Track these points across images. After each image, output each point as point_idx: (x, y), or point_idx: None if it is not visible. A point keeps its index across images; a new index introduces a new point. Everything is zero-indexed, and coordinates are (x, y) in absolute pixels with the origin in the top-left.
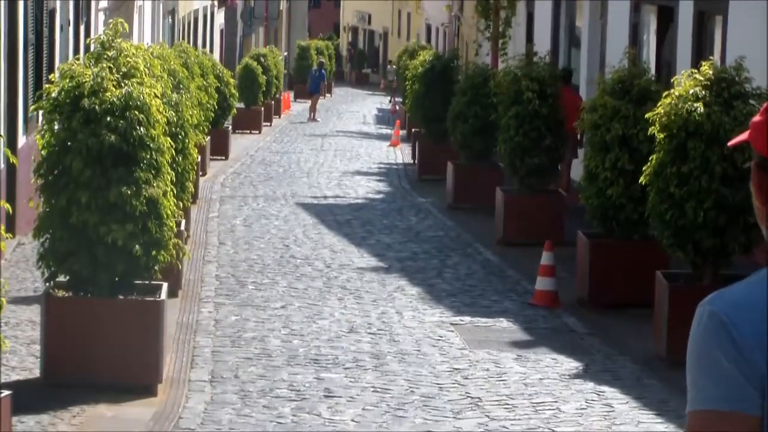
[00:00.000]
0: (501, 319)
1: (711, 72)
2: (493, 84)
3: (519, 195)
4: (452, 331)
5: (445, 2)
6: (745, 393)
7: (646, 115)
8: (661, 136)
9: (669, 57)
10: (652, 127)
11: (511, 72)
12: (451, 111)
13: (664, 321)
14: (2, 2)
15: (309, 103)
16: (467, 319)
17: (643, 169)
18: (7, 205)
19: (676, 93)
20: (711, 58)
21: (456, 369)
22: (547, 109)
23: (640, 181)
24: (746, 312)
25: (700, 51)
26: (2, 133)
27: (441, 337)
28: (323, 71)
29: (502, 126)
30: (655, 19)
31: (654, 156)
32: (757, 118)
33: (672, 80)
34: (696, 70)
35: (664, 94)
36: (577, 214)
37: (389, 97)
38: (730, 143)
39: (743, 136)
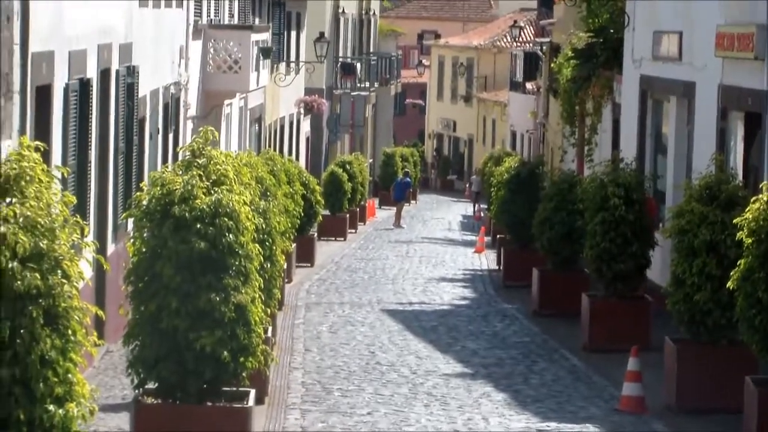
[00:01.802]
0: (587, 425)
1: None
2: (580, 190)
3: (605, 301)
4: None
5: (530, 109)
6: None
7: (734, 221)
8: (749, 241)
9: (756, 162)
10: (740, 233)
11: (597, 178)
12: (537, 217)
13: (753, 427)
14: (94, 112)
15: (394, 209)
16: (553, 425)
17: (731, 274)
18: (101, 312)
19: (765, 198)
20: None
21: None
22: (633, 215)
23: (727, 285)
24: None
25: None
26: (95, 241)
27: None
28: (408, 179)
29: (588, 232)
30: (742, 125)
31: (742, 261)
32: None
33: (760, 186)
34: None
35: (752, 200)
36: (663, 319)
37: (474, 205)
38: None
39: None
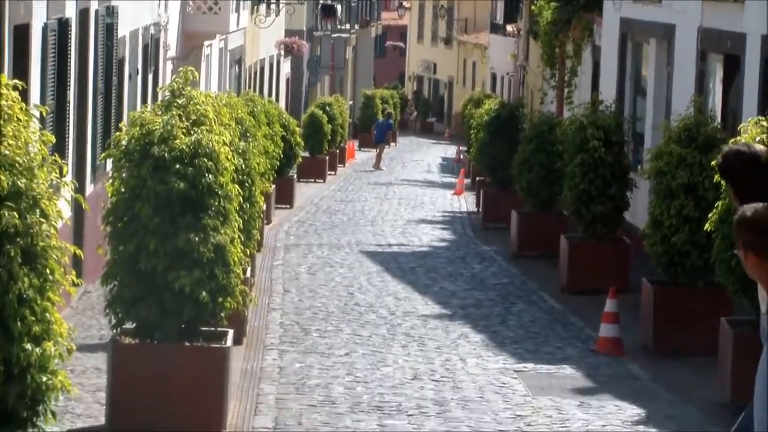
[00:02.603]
0: (564, 365)
1: None
2: (559, 132)
3: (583, 242)
4: (515, 378)
5: (511, 51)
6: None
7: (713, 163)
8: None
9: (735, 105)
10: (718, 175)
11: (576, 120)
12: (517, 159)
13: (728, 368)
14: (73, 52)
15: (373, 152)
16: (530, 365)
17: (709, 216)
18: (80, 251)
19: (743, 140)
20: None
21: (519, 416)
22: (612, 157)
23: (705, 227)
24: None
25: (767, 99)
26: (73, 180)
27: (504, 383)
28: (390, 121)
29: (567, 174)
30: (722, 67)
31: (720, 203)
32: None
33: (738, 128)
34: (762, 118)
35: (731, 142)
36: (641, 261)
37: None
38: None
39: None
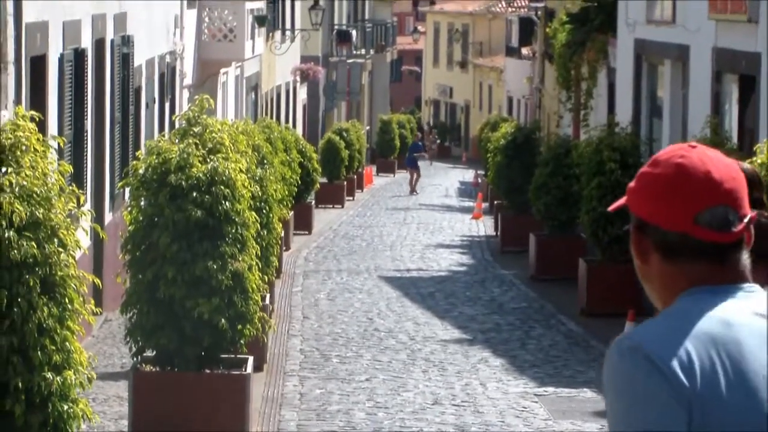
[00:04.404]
0: (585, 389)
1: None
2: (575, 155)
3: (602, 265)
4: (536, 402)
5: (526, 75)
6: (673, 413)
7: None
8: None
9: (751, 125)
10: None
11: (592, 142)
12: (534, 182)
13: None
14: (90, 82)
15: (390, 177)
16: (551, 389)
17: None
18: (97, 280)
19: (759, 161)
20: None
21: None
22: (629, 179)
23: None
24: (666, 341)
25: None
26: (91, 210)
27: (525, 408)
28: (420, 143)
29: (584, 196)
30: (737, 88)
31: None
32: (632, 184)
33: (754, 148)
34: None
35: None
36: None
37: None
38: (610, 208)
39: (622, 201)
